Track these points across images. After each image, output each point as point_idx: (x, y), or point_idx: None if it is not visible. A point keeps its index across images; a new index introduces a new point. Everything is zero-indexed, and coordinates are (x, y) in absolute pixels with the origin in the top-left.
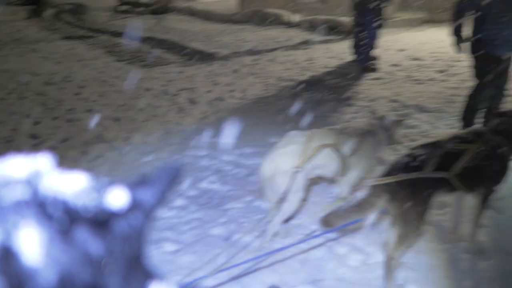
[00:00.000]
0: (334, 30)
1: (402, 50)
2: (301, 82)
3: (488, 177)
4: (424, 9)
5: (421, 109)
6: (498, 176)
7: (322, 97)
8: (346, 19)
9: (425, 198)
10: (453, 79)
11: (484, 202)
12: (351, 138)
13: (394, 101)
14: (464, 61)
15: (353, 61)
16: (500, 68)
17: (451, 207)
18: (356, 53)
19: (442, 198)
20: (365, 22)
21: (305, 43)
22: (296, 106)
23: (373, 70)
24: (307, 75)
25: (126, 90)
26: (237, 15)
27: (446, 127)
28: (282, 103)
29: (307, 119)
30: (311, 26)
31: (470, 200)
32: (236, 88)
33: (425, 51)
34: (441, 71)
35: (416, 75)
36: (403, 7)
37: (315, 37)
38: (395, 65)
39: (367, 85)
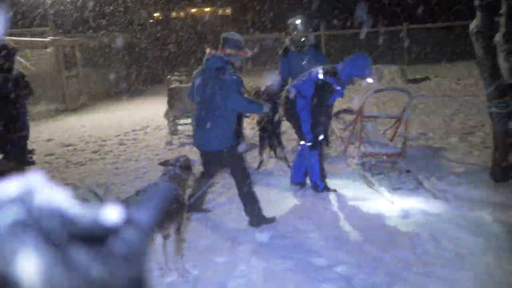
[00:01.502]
0: None
1: (50, 139)
2: None
3: (172, 215)
4: (56, 100)
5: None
6: (179, 213)
7: None
8: None
9: None
10: (109, 156)
11: (179, 235)
12: None
13: (67, 184)
14: (112, 140)
15: (4, 158)
16: None
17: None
18: (4, 150)
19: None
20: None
21: None
22: None
23: (32, 163)
24: None
25: None
26: None
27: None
28: None
29: None
30: None
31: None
32: None
33: (73, 137)
34: (95, 152)
35: (74, 159)
36: (35, 99)
37: None
38: (50, 154)
39: None
